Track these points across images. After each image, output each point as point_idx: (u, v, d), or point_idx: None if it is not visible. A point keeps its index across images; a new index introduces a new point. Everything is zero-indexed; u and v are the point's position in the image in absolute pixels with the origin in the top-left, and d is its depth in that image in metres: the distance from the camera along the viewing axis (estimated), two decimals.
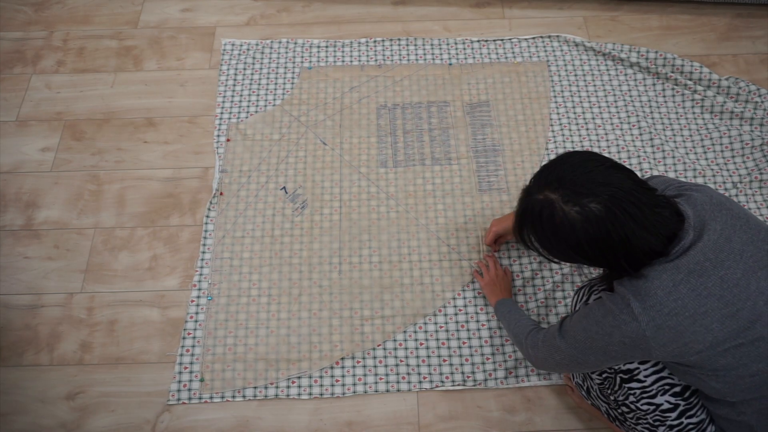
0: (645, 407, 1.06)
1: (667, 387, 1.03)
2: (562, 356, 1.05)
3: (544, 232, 0.91)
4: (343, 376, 1.41)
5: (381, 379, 1.40)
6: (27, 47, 1.97)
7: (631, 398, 1.08)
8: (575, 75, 1.87)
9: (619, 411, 1.13)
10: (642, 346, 0.91)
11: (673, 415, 1.03)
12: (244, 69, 1.90)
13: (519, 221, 0.96)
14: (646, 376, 1.04)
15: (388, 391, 1.39)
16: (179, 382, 1.40)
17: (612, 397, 1.15)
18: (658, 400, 1.04)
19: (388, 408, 1.37)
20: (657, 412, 1.04)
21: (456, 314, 1.48)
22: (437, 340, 1.45)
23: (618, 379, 1.09)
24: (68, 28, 2.02)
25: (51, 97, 1.86)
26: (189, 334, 1.46)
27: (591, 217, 0.85)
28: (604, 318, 0.94)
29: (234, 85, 1.86)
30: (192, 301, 1.50)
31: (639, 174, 1.66)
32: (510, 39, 1.95)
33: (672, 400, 1.02)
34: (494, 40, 1.94)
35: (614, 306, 0.92)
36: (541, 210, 0.90)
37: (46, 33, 2.01)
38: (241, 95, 1.84)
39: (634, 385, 1.06)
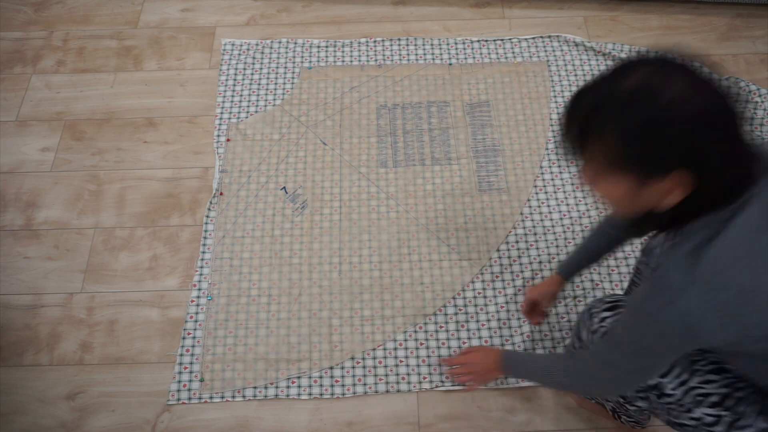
0: (691, 423, 0.92)
1: (700, 398, 0.90)
2: (613, 366, 0.90)
3: (644, 113, 0.68)
4: (342, 376, 1.41)
5: (381, 379, 1.40)
6: (27, 47, 1.97)
7: (674, 413, 0.95)
8: (575, 75, 1.87)
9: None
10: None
11: (721, 428, 0.89)
12: (244, 69, 1.90)
13: (589, 116, 0.72)
14: (673, 389, 0.92)
15: (388, 391, 1.38)
16: (179, 382, 1.40)
17: (665, 419, 0.99)
18: (696, 413, 0.90)
19: (388, 408, 1.37)
20: (702, 426, 0.91)
21: (456, 314, 1.48)
22: (437, 340, 1.45)
23: (653, 396, 0.96)
24: (68, 28, 2.02)
25: (51, 97, 1.86)
26: (189, 334, 1.46)
27: (708, 87, 0.71)
28: (660, 293, 0.76)
29: (234, 85, 1.86)
30: (192, 301, 1.50)
31: None
32: (510, 39, 1.94)
33: (711, 411, 0.89)
34: (494, 40, 1.94)
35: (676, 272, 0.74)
36: (637, 89, 0.69)
37: (46, 33, 2.01)
38: (241, 95, 1.84)
39: (666, 399, 0.93)
